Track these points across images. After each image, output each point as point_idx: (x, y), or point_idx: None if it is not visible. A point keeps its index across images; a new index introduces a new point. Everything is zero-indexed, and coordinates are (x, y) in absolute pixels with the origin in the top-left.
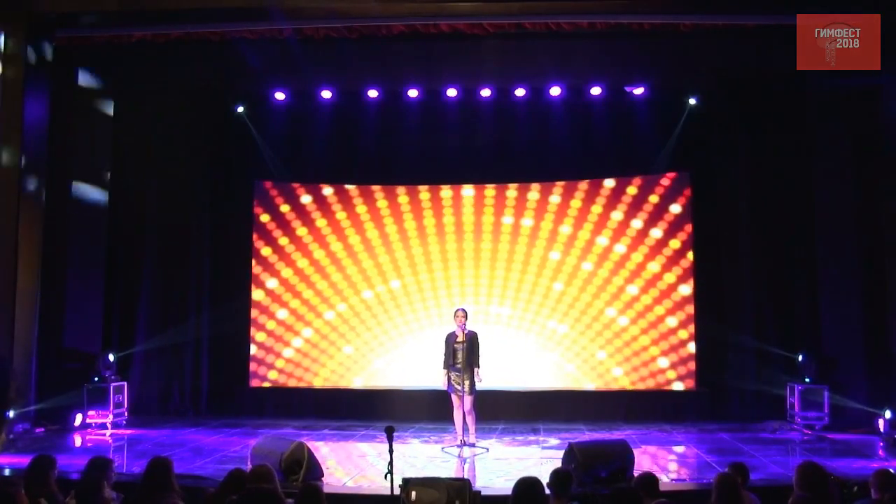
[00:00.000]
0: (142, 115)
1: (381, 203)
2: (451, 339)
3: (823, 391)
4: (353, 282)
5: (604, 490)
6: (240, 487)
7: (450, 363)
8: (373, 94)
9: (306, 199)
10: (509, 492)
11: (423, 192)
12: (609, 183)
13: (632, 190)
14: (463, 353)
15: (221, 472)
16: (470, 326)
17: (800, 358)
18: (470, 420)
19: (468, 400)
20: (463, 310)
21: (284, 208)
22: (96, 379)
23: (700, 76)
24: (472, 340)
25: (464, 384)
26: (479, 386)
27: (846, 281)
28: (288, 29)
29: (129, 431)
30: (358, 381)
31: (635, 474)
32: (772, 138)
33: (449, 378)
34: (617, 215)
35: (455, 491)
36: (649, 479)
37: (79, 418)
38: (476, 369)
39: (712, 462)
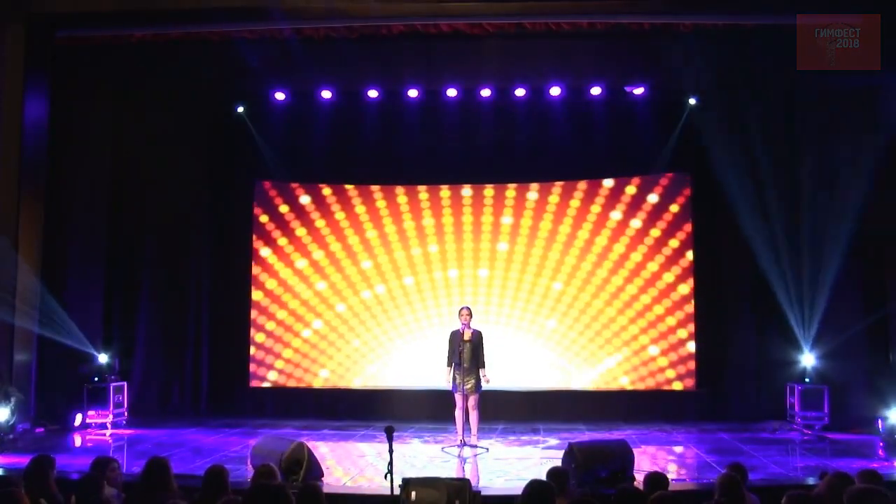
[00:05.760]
0: (142, 115)
1: (381, 203)
2: (455, 338)
3: (823, 391)
4: (352, 281)
5: (605, 490)
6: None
7: (455, 362)
8: (373, 94)
9: (306, 199)
10: (509, 492)
11: (423, 192)
12: (609, 183)
13: (631, 190)
14: (468, 352)
15: None
16: (472, 326)
17: (800, 358)
18: (474, 418)
19: (473, 398)
20: (467, 308)
21: (284, 208)
22: (96, 379)
23: (700, 76)
24: (476, 339)
25: (468, 383)
26: (484, 386)
27: (846, 280)
28: (288, 29)
29: (129, 431)
30: (358, 381)
31: (636, 474)
32: (771, 138)
33: (453, 377)
34: (617, 215)
35: (455, 491)
36: (658, 478)
37: (79, 418)
38: (482, 370)
39: (712, 462)
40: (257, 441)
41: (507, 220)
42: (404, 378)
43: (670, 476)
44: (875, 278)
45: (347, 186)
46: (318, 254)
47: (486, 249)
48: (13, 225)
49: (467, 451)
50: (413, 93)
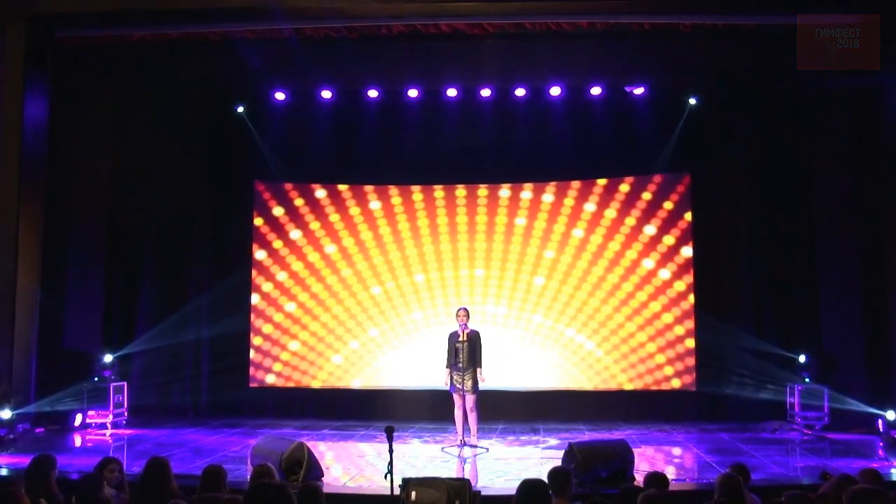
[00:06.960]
0: (142, 115)
1: (381, 203)
2: (453, 339)
3: (823, 391)
4: (352, 281)
5: (605, 490)
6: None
7: (452, 362)
8: (373, 94)
9: (305, 199)
10: (509, 492)
11: (424, 192)
12: (609, 183)
13: (631, 190)
14: (465, 352)
15: None
16: (470, 326)
17: (800, 358)
18: (472, 419)
19: (470, 399)
20: (464, 309)
21: (283, 209)
22: (96, 379)
23: (700, 76)
24: (474, 340)
25: (466, 383)
26: (481, 386)
27: (846, 280)
28: (288, 29)
29: (129, 431)
30: (357, 382)
31: (636, 474)
32: (771, 138)
33: (451, 377)
34: (617, 215)
35: (455, 491)
36: (658, 478)
37: (79, 418)
38: (479, 369)
39: (712, 462)
40: (257, 441)
41: (505, 220)
42: (404, 378)
43: (670, 476)
44: (876, 277)
45: (347, 186)
46: (317, 254)
47: (484, 249)
48: (13, 225)
49: (467, 451)
50: (413, 93)
